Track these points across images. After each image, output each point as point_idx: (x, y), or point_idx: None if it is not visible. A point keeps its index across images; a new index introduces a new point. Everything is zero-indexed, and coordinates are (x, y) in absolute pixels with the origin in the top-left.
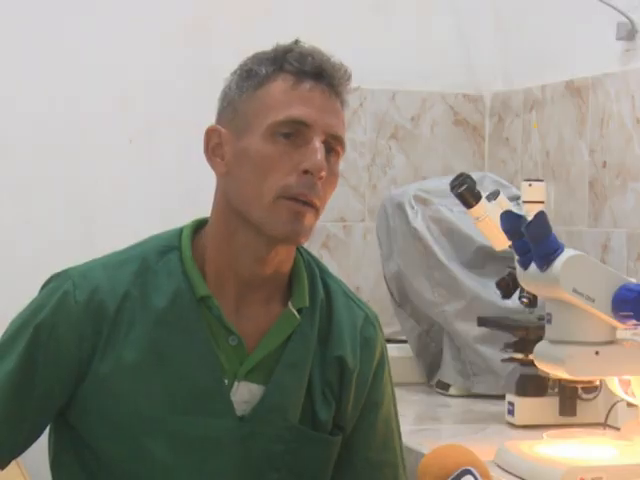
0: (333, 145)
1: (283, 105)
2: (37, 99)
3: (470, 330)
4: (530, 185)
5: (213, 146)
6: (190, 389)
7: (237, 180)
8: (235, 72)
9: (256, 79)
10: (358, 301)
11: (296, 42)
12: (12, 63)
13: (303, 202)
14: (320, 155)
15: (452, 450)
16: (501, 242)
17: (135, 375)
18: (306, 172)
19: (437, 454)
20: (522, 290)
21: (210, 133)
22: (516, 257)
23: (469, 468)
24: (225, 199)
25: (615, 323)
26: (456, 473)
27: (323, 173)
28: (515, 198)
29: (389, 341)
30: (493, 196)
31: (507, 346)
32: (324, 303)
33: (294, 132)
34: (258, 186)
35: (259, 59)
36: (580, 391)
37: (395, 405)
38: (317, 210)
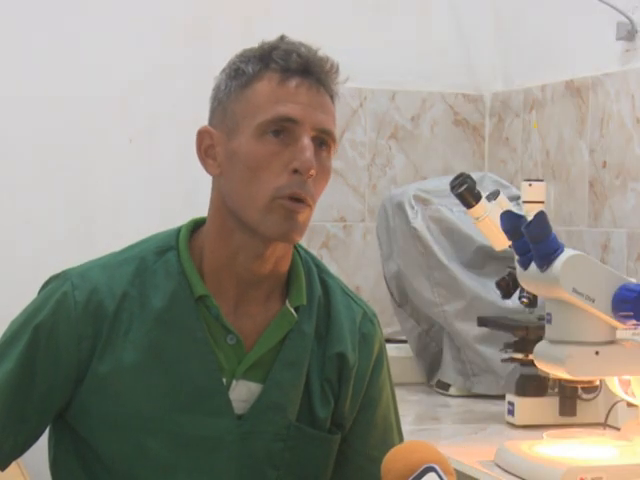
0: (323, 139)
1: (270, 104)
2: (37, 99)
3: (470, 330)
4: (530, 185)
5: (205, 147)
6: (189, 388)
7: (230, 181)
8: (224, 70)
9: (243, 78)
10: (356, 298)
11: (282, 38)
12: (12, 63)
13: (297, 200)
14: (309, 153)
15: (416, 447)
16: (501, 242)
17: (134, 375)
18: (296, 171)
19: (401, 451)
20: (522, 290)
21: (202, 134)
22: (516, 257)
23: (432, 465)
24: (220, 199)
25: (615, 323)
26: (419, 470)
27: (312, 172)
28: (515, 198)
29: (389, 341)
30: (493, 196)
31: (507, 346)
32: (322, 300)
33: (283, 130)
34: (250, 187)
35: (246, 57)
36: (580, 391)
37: (395, 402)
38: (310, 207)
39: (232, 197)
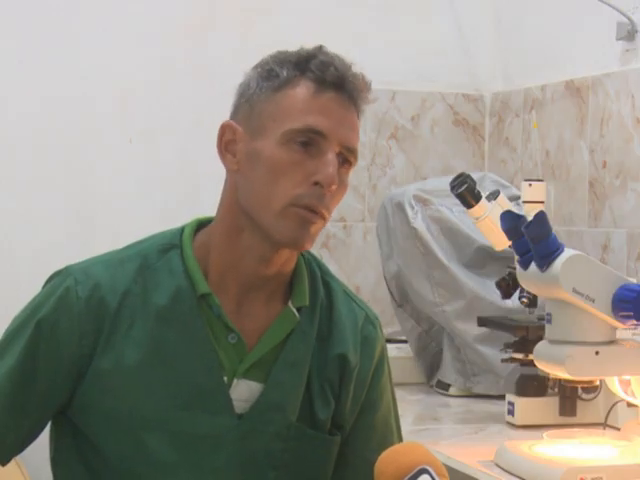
0: (346, 156)
1: (302, 113)
2: (37, 99)
3: (470, 330)
4: (530, 185)
5: (226, 142)
6: (190, 386)
7: (248, 181)
8: (256, 68)
9: (276, 81)
10: (359, 301)
11: (320, 48)
12: (12, 63)
13: (312, 211)
14: (333, 168)
15: (409, 449)
16: (501, 242)
17: (135, 372)
18: (317, 184)
19: (393, 453)
20: (522, 290)
21: (224, 128)
22: (516, 257)
23: (426, 467)
24: (234, 196)
25: (615, 323)
26: (413, 472)
27: (334, 187)
28: (515, 198)
29: (389, 341)
30: (493, 196)
31: (507, 346)
32: (324, 302)
33: (309, 141)
34: (268, 191)
35: (281, 60)
36: (580, 391)
37: (395, 406)
38: (324, 219)
39: (248, 196)
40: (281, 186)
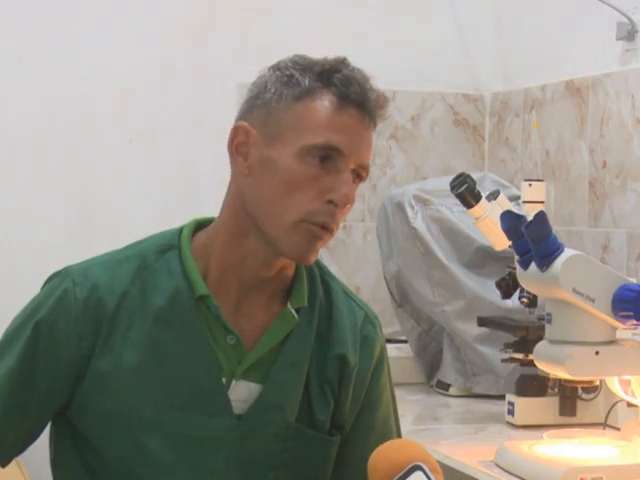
0: (359, 172)
1: (323, 129)
2: (37, 99)
3: (470, 330)
4: (530, 185)
5: (238, 143)
6: (188, 387)
7: (258, 188)
8: (273, 70)
9: (297, 89)
10: (358, 300)
11: (343, 61)
12: (12, 63)
13: (323, 227)
14: (348, 188)
15: (402, 445)
16: (501, 242)
17: (134, 373)
18: (331, 202)
19: (387, 449)
20: (522, 290)
21: (237, 129)
22: (516, 257)
23: (419, 463)
24: (241, 199)
25: (615, 323)
26: (406, 469)
27: (348, 206)
28: (515, 198)
29: (389, 341)
30: (493, 196)
31: (507, 346)
32: (324, 302)
33: (327, 157)
34: (281, 204)
35: (303, 67)
36: (580, 391)
37: (395, 407)
38: (332, 234)
39: (257, 204)
40: (295, 200)
